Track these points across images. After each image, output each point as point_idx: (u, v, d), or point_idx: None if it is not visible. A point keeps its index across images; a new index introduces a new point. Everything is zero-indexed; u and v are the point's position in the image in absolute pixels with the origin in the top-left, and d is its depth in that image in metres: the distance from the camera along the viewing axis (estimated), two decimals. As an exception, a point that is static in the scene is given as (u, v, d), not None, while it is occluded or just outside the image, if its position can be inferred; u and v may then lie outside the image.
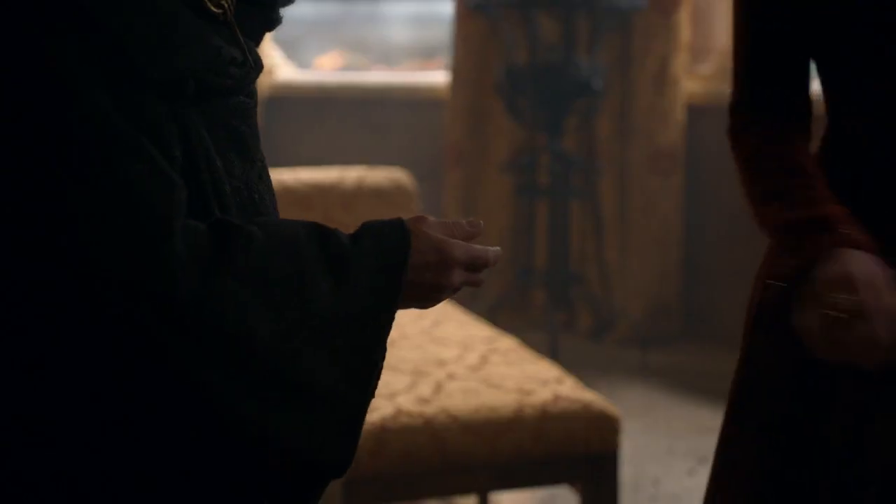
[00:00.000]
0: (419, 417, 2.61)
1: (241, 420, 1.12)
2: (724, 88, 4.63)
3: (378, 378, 1.20)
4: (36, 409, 1.14)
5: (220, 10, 1.21)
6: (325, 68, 5.96)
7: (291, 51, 5.80)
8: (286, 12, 1.35)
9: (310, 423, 1.15)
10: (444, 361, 2.93)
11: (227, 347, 1.10)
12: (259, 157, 1.28)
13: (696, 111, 4.98)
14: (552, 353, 4.54)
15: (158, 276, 1.08)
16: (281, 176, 3.73)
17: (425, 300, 1.26)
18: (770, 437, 1.66)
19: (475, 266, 1.27)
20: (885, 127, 1.57)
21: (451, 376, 2.83)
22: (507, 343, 3.12)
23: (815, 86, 1.72)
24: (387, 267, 1.20)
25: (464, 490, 2.73)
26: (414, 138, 5.45)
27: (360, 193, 3.82)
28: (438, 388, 2.75)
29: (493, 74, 4.99)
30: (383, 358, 1.20)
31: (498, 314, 4.84)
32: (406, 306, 1.25)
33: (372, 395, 1.19)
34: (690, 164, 5.02)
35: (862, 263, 1.47)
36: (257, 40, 1.30)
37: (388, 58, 5.93)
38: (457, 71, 5.20)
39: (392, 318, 1.20)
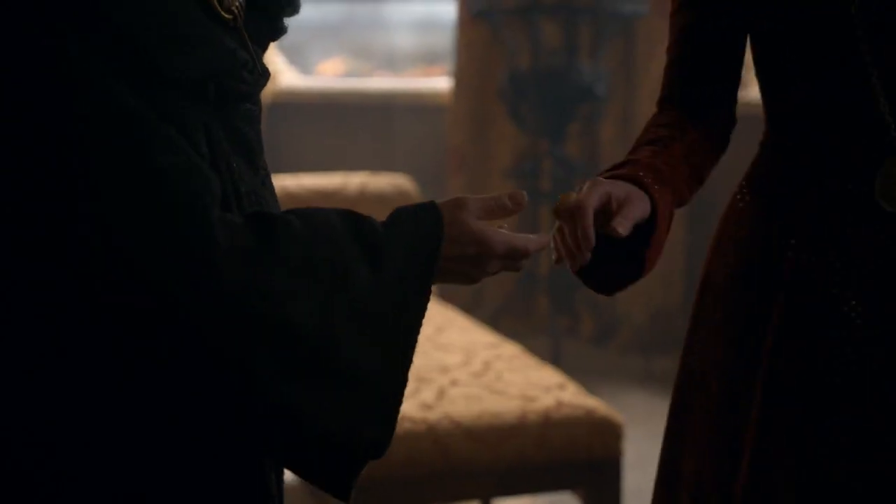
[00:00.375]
0: (422, 423, 2.61)
1: (285, 404, 1.15)
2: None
3: (411, 361, 1.23)
4: (72, 400, 1.15)
5: (230, 16, 1.23)
6: (328, 74, 5.97)
7: (294, 56, 5.80)
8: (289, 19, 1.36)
9: (350, 405, 1.18)
10: (448, 367, 2.93)
11: (271, 333, 1.13)
12: (262, 165, 1.30)
13: (699, 117, 4.97)
14: (555, 358, 4.54)
15: (201, 265, 1.10)
16: (284, 182, 3.73)
17: (461, 282, 1.30)
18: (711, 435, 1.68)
19: (514, 257, 1.29)
20: (822, 134, 1.59)
21: (454, 382, 2.83)
22: (510, 349, 3.12)
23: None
24: (420, 254, 1.22)
25: (467, 496, 2.72)
26: (417, 144, 5.45)
27: (363, 199, 3.83)
28: (441, 394, 2.75)
29: (496, 80, 4.99)
30: (416, 341, 1.23)
31: (501, 319, 4.84)
32: (442, 282, 1.28)
33: (406, 378, 1.22)
34: (693, 170, 5.02)
35: (615, 186, 1.49)
36: (263, 48, 1.31)
37: (390, 63, 5.93)
38: (459, 77, 5.20)
39: (426, 302, 1.23)
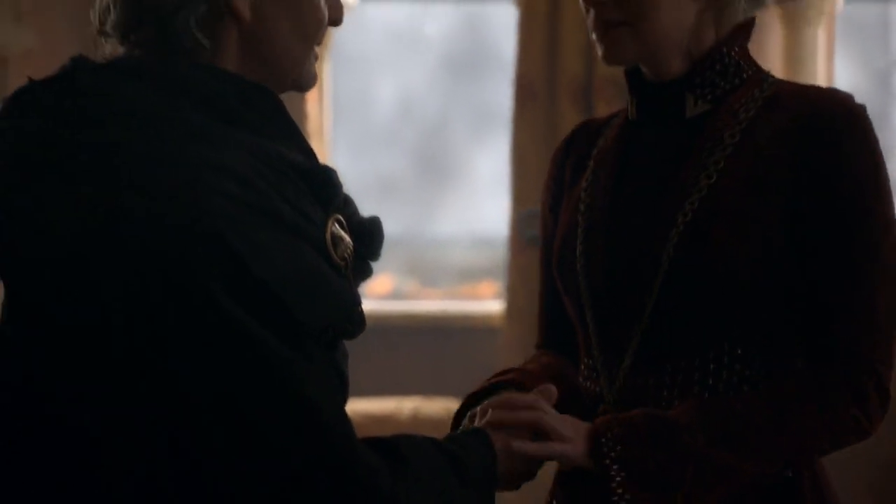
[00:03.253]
0: None
1: None
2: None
3: None
4: None
5: (343, 263, 1.31)
6: (376, 294, 6.02)
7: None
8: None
9: None
10: None
11: None
12: None
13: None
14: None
15: (361, 480, 1.24)
16: (340, 410, 3.74)
17: (506, 488, 1.54)
18: None
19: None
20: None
21: None
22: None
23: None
24: (488, 471, 1.45)
25: None
26: (468, 366, 5.45)
27: (417, 424, 3.84)
28: None
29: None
30: None
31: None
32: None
33: None
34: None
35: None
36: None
37: (439, 279, 5.99)
38: (511, 300, 5.24)
39: None
